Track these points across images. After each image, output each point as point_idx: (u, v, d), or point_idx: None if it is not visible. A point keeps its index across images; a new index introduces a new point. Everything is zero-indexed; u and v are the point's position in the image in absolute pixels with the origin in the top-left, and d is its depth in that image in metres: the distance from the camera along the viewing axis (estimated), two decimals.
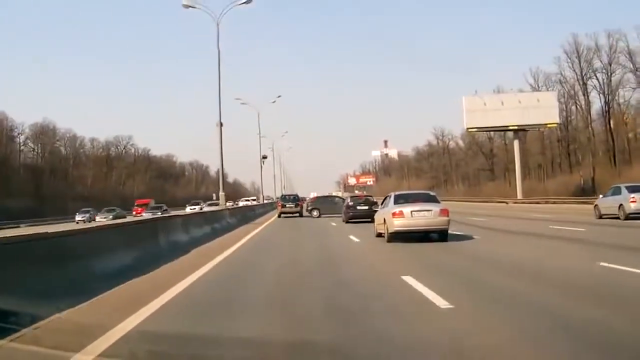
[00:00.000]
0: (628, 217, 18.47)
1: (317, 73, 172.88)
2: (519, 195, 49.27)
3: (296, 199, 34.98)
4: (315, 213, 30.93)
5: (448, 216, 12.51)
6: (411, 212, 12.35)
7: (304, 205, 35.32)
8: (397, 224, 12.36)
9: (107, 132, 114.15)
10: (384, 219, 13.09)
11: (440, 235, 12.52)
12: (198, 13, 25.31)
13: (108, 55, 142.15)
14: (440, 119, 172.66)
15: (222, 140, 25.37)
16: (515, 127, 51.68)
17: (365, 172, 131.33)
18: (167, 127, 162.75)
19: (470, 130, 55.34)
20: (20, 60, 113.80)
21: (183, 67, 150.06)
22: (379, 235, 13.89)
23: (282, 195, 40.69)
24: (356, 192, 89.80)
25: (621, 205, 19.05)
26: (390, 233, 12.63)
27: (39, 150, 77.07)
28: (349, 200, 25.21)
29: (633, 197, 18.73)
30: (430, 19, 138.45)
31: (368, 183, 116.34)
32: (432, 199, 13.32)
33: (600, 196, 21.95)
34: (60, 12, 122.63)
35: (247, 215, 30.64)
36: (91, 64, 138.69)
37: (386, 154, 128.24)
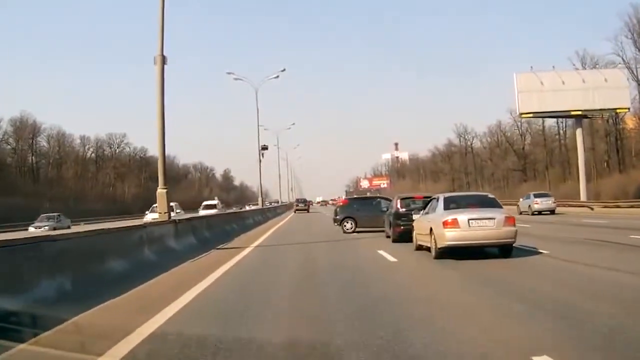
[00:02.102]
0: (533, 213, 29.65)
1: (319, 75, 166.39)
2: (583, 198, 39.24)
3: (305, 202, 60.42)
4: (348, 225, 19.56)
5: (515, 226, 9.89)
6: (468, 220, 9.54)
7: (333, 214, 23.28)
8: (450, 237, 9.71)
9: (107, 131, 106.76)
10: (431, 229, 10.49)
11: (501, 250, 9.94)
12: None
13: (109, 54, 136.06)
14: (451, 121, 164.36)
15: (164, 81, 13.92)
16: (579, 113, 40.99)
17: (377, 175, 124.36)
18: (170, 128, 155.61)
19: (524, 115, 44.54)
20: (20, 59, 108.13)
21: (184, 66, 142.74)
22: (420, 248, 11.57)
23: (296, 199, 65.91)
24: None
25: (529, 205, 30.70)
26: (440, 248, 9.98)
27: (15, 146, 69.74)
28: (398, 204, 15.44)
29: (536, 201, 30.60)
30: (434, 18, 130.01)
31: (382, 186, 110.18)
32: (492, 203, 10.66)
33: (521, 199, 33.31)
34: (59, 11, 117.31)
35: (226, 230, 19.84)
36: (94, 63, 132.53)
37: (397, 157, 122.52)
